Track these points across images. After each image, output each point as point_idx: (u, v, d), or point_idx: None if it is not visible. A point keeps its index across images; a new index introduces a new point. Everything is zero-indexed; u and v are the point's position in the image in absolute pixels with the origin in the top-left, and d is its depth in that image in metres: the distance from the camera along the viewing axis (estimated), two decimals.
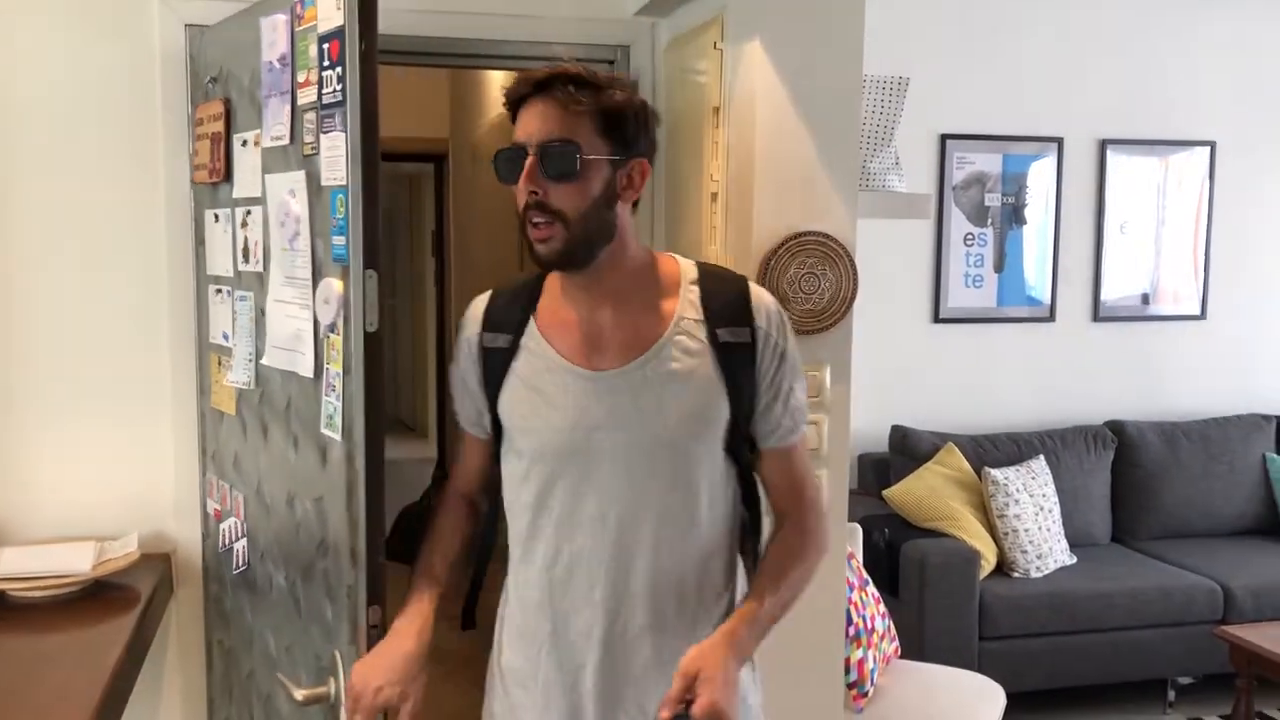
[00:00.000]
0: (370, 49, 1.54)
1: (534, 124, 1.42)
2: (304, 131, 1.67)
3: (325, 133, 1.61)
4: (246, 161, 1.91)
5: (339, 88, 1.56)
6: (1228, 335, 5.16)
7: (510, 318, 1.55)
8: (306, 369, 1.72)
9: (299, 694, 1.63)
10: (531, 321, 1.54)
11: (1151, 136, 5.02)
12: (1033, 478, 4.34)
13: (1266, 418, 4.96)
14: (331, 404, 1.65)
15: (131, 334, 2.32)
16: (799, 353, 1.55)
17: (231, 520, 2.15)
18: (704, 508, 1.52)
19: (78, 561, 2.11)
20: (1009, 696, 3.63)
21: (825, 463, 2.02)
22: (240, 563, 2.12)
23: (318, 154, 1.64)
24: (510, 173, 1.44)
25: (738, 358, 1.49)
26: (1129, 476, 4.67)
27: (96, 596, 2.11)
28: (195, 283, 2.29)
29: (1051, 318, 4.96)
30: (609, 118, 1.43)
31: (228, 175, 2.01)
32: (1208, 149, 5.07)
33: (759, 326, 1.50)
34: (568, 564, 1.52)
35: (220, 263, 2.11)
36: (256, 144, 1.84)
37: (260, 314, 1.90)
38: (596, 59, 2.37)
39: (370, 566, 1.61)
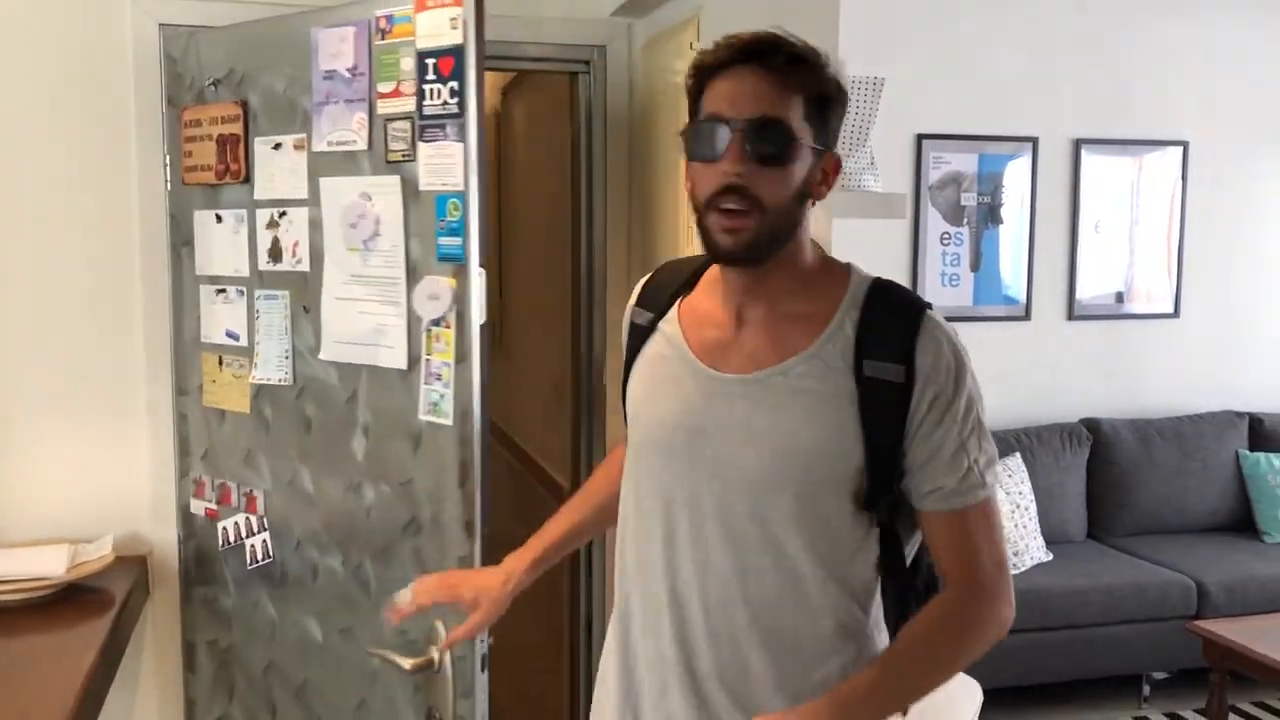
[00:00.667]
0: (483, 68, 1.68)
1: (742, 97, 1.22)
2: (390, 139, 1.79)
3: (428, 141, 1.75)
4: (280, 164, 1.94)
5: (453, 101, 1.70)
6: (1201, 333, 5.21)
7: (660, 296, 1.41)
8: (394, 361, 1.82)
9: (407, 663, 1.61)
10: (677, 305, 1.38)
11: (1125, 137, 5.06)
12: (1009, 476, 4.37)
13: (1239, 415, 5.01)
14: (437, 391, 1.77)
15: (104, 336, 2.31)
16: (982, 405, 1.29)
17: (239, 517, 2.15)
18: (803, 558, 1.27)
19: (52, 564, 2.10)
20: (986, 693, 3.64)
21: None
22: (259, 557, 2.11)
23: (414, 160, 1.77)
24: (707, 149, 1.24)
25: (883, 397, 1.25)
26: (1104, 474, 4.70)
27: (71, 599, 2.10)
28: (171, 283, 2.27)
29: (1027, 316, 4.99)
30: (822, 101, 1.26)
31: (247, 176, 2.02)
32: (1180, 149, 5.12)
33: (919, 368, 1.25)
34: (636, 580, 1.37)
35: (225, 262, 2.10)
36: (299, 148, 1.91)
37: (303, 311, 1.93)
38: (572, 59, 2.37)
39: (484, 536, 1.76)
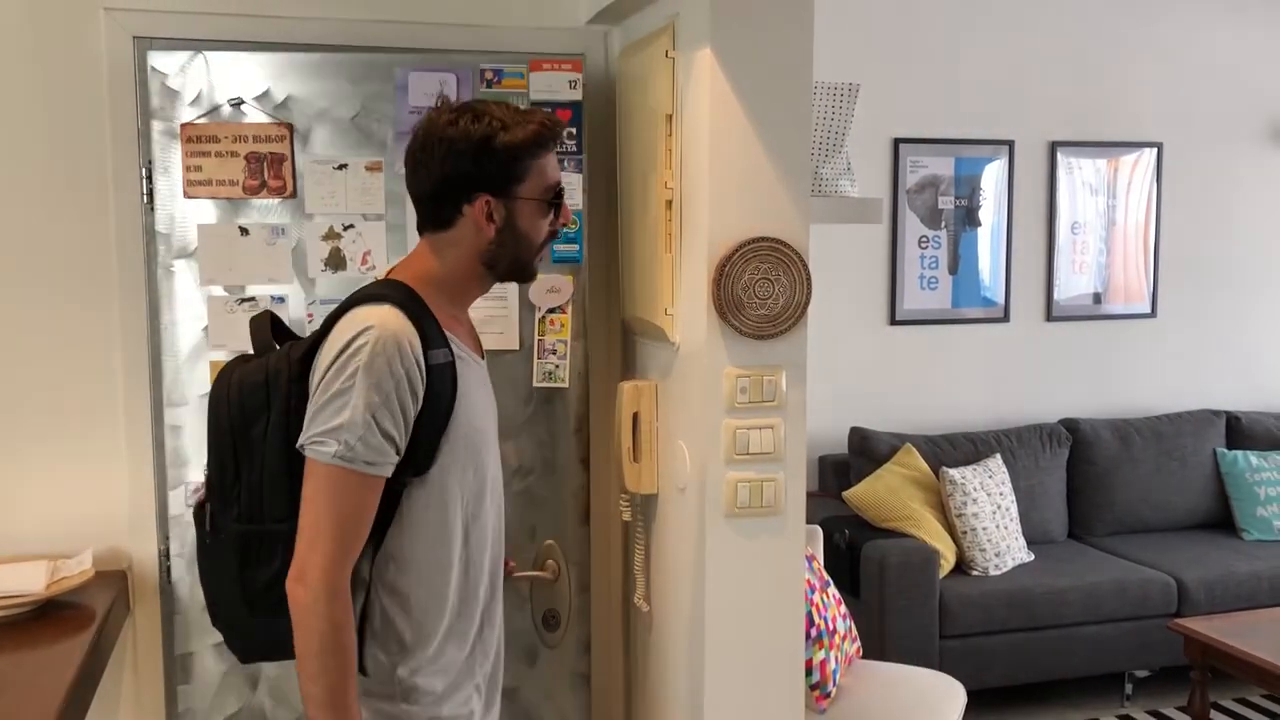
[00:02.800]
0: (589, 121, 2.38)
1: (558, 171, 1.68)
2: None
3: None
4: (347, 183, 2.32)
5: (570, 143, 2.33)
6: (1178, 333, 5.25)
7: (434, 332, 1.57)
8: (505, 344, 2.37)
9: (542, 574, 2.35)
10: (445, 330, 1.62)
11: (1100, 139, 5.10)
12: (990, 477, 4.39)
13: (1216, 413, 5.05)
14: (553, 363, 2.39)
15: (79, 350, 2.29)
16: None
17: None
18: None
19: (30, 581, 2.08)
20: (970, 694, 3.66)
21: (784, 465, 2.03)
22: None
23: None
24: (558, 210, 1.68)
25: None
26: (1084, 473, 4.73)
27: (50, 616, 2.08)
28: (148, 296, 2.27)
29: (1006, 318, 5.02)
30: None
31: (295, 192, 2.30)
32: (1154, 150, 5.16)
33: None
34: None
35: (254, 273, 2.30)
36: (373, 169, 2.33)
37: None
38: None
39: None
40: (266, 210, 2.30)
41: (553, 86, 2.33)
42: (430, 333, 1.56)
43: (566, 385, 2.39)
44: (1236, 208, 5.34)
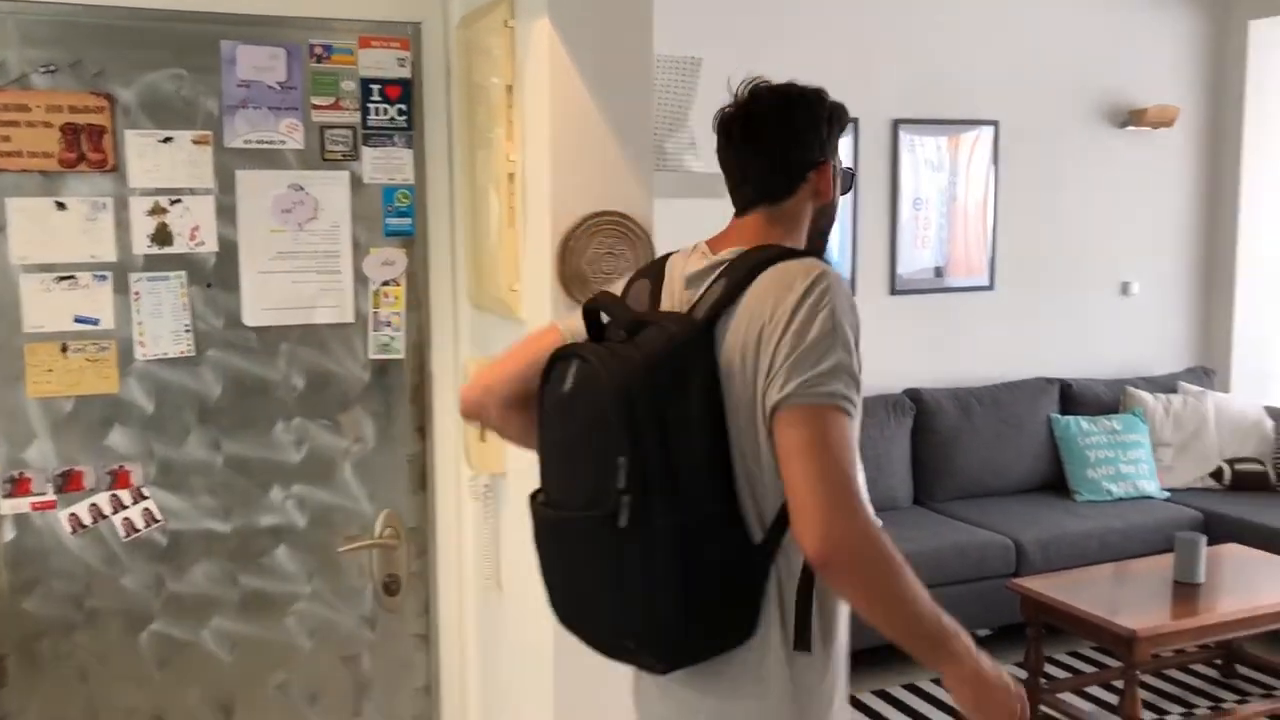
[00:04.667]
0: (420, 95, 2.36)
1: None
2: (328, 142, 2.31)
3: (375, 146, 2.34)
4: (173, 156, 2.22)
5: (401, 118, 2.35)
6: (1014, 304, 5.47)
7: None
8: (339, 317, 2.34)
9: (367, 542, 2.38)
10: None
11: (940, 116, 5.25)
12: None
13: (1050, 381, 5.29)
14: (388, 335, 2.38)
15: None
16: None
17: (98, 497, 2.22)
18: None
19: None
20: (856, 653, 3.74)
21: None
22: (139, 527, 2.23)
23: (358, 159, 2.33)
24: (848, 179, 1.71)
25: None
26: (928, 442, 4.90)
27: None
28: None
29: (851, 292, 5.14)
30: None
31: (116, 165, 2.20)
32: (992, 128, 5.35)
33: None
34: None
35: (74, 249, 2.19)
36: (200, 143, 2.24)
37: (205, 288, 2.26)
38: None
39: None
40: (85, 184, 2.19)
41: (382, 64, 2.31)
42: None
43: (402, 356, 2.39)
44: (1069, 183, 5.59)
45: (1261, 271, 6.03)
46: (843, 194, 1.71)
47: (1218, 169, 5.98)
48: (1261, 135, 5.92)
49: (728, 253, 1.59)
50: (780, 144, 1.64)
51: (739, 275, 1.51)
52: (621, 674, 2.05)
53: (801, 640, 1.49)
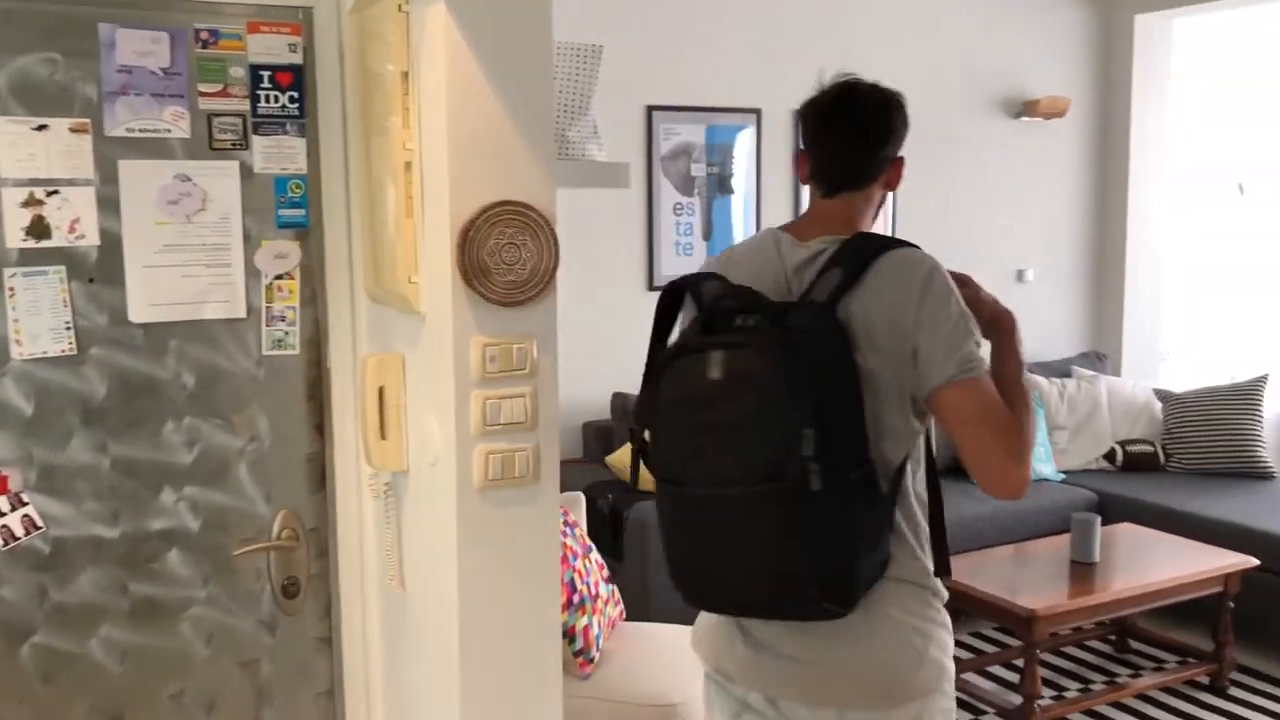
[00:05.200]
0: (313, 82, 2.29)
1: None
2: (216, 130, 2.23)
3: (265, 135, 2.25)
4: (48, 145, 2.12)
5: (293, 106, 2.26)
6: None
7: None
8: (231, 312, 2.26)
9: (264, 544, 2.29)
10: None
11: None
12: None
13: None
14: (283, 329, 2.30)
15: None
16: None
17: None
18: None
19: None
20: None
21: (537, 434, 1.99)
22: (18, 534, 2.13)
23: (248, 149, 2.24)
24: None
25: None
26: None
27: None
28: None
29: None
30: None
31: None
32: None
33: None
34: None
35: None
36: (78, 131, 2.14)
37: (88, 283, 2.16)
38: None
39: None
40: None
41: (272, 49, 2.23)
42: None
43: (297, 352, 2.33)
44: (967, 173, 5.70)
45: (1150, 259, 6.24)
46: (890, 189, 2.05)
47: (1108, 159, 6.16)
48: (1148, 126, 6.11)
49: (821, 241, 1.91)
50: (878, 137, 1.98)
51: (853, 265, 1.81)
52: (528, 671, 2.02)
53: (942, 566, 1.90)
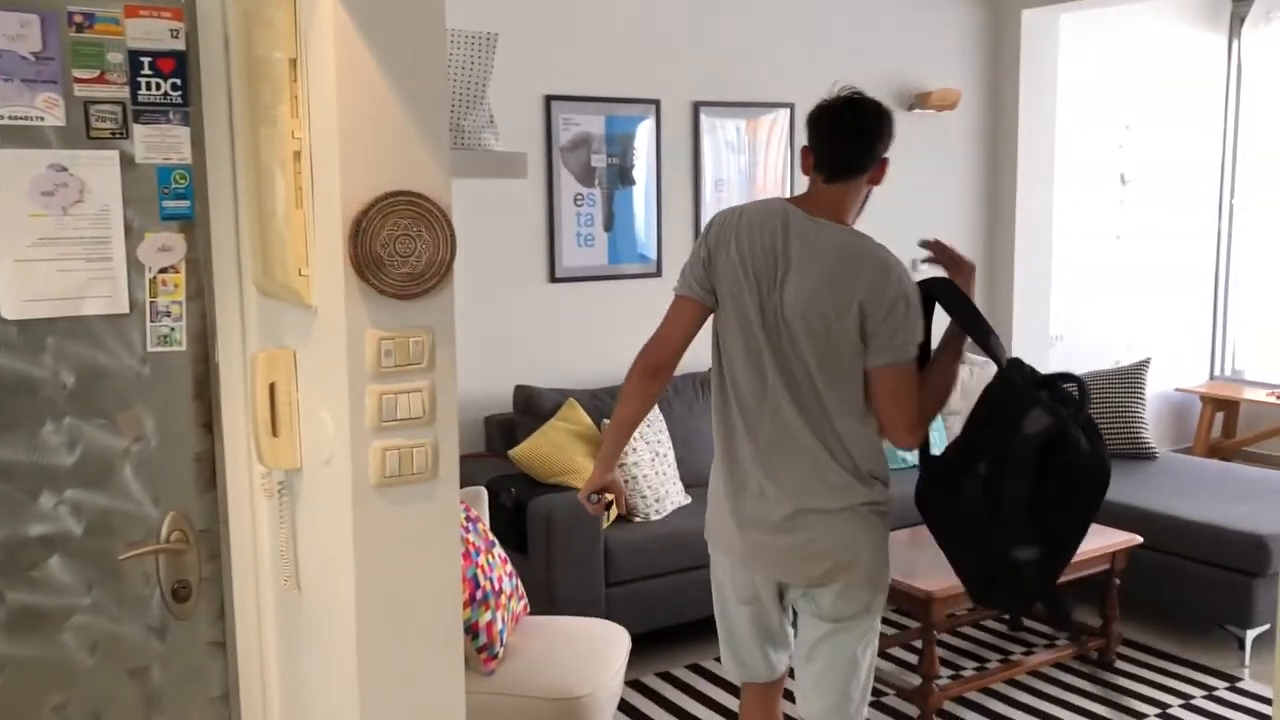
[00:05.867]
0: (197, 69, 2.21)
1: None
2: (93, 118, 2.15)
3: (147, 123, 2.18)
4: None
5: (175, 94, 2.19)
6: None
7: None
8: (112, 308, 2.19)
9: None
10: None
11: (739, 99, 5.35)
12: (648, 425, 4.53)
13: None
14: (169, 325, 2.24)
15: None
16: None
17: None
18: None
19: None
20: (638, 636, 3.77)
21: (435, 429, 1.96)
22: None
23: (128, 138, 2.17)
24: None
25: None
26: None
27: None
28: None
29: (659, 273, 5.19)
30: None
31: None
32: (788, 111, 5.48)
33: None
34: None
35: None
36: None
37: None
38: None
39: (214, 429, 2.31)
40: None
41: (152, 34, 2.15)
42: None
43: (184, 348, 2.25)
44: None
45: (1039, 247, 6.42)
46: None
47: (998, 150, 6.32)
48: (1036, 119, 6.29)
49: (828, 222, 2.61)
50: (874, 138, 2.59)
51: (863, 265, 2.61)
52: (429, 670, 1.99)
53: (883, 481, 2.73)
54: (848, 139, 2.55)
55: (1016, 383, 2.53)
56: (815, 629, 2.64)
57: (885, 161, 2.59)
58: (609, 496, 2.81)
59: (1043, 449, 2.41)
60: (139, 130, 2.17)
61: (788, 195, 5.51)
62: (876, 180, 2.60)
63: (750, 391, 2.61)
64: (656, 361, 2.73)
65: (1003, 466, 2.46)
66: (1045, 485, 2.41)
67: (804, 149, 2.63)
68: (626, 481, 4.33)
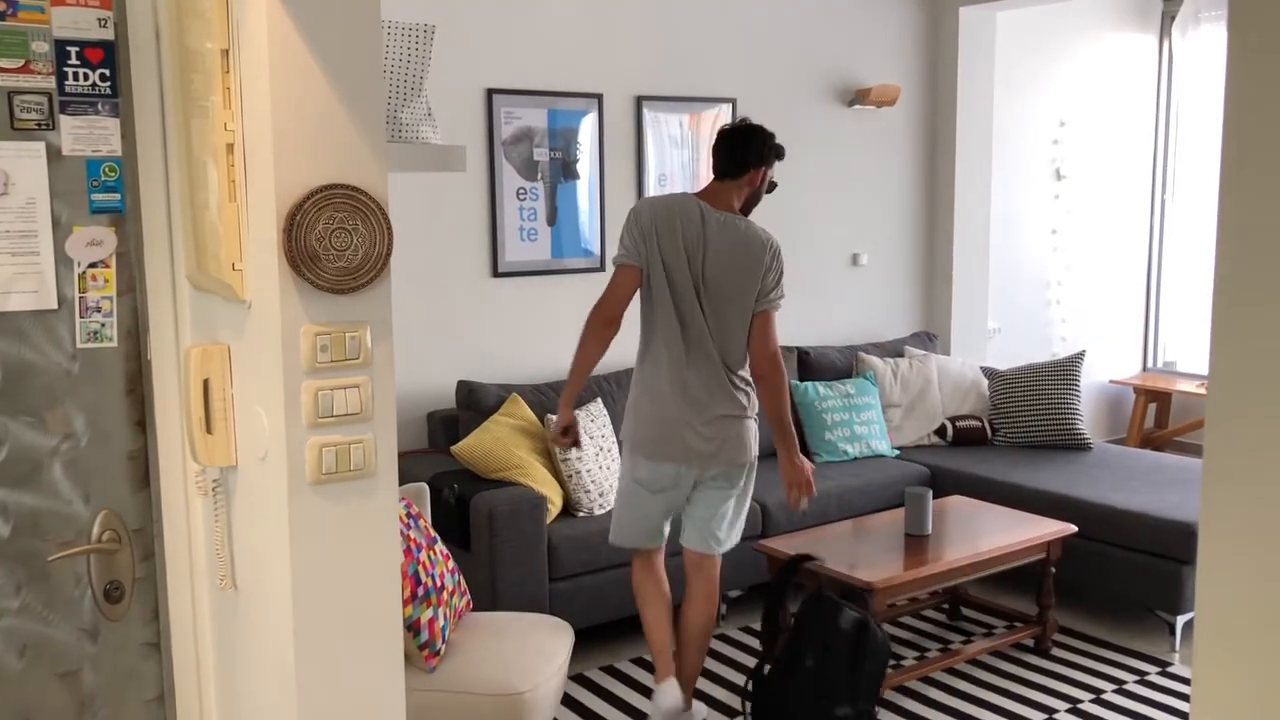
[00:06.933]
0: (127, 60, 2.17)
1: None
2: (19, 109, 2.12)
3: (75, 115, 2.14)
4: None
5: (104, 84, 2.15)
6: None
7: None
8: (40, 304, 2.16)
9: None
10: None
11: (681, 93, 5.35)
12: (591, 420, 4.52)
13: (789, 349, 5.51)
14: (99, 321, 2.20)
15: None
16: None
17: None
18: None
19: None
20: (582, 630, 3.77)
21: (373, 425, 1.94)
22: None
23: (55, 129, 2.14)
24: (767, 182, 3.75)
25: None
26: None
27: None
28: None
29: (602, 268, 5.18)
30: None
31: None
32: (730, 104, 5.50)
33: None
34: None
35: None
36: None
37: None
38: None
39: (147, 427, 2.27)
40: None
41: (79, 23, 2.10)
42: None
43: (115, 344, 2.21)
44: (803, 159, 5.83)
45: (977, 241, 6.51)
46: (767, 193, 3.72)
47: (936, 146, 6.40)
48: (973, 114, 6.37)
49: (727, 214, 3.59)
50: (746, 153, 3.59)
51: (737, 233, 3.58)
52: (369, 667, 1.97)
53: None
54: (727, 152, 3.60)
55: (828, 596, 3.70)
56: (724, 496, 3.71)
57: (760, 171, 3.61)
58: (573, 434, 3.70)
59: (855, 636, 3.58)
60: (66, 121, 2.12)
61: None
62: (752, 184, 3.63)
63: (688, 334, 3.52)
64: (611, 314, 3.51)
65: (826, 654, 3.58)
66: (859, 663, 3.58)
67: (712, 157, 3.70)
68: (570, 477, 4.34)
